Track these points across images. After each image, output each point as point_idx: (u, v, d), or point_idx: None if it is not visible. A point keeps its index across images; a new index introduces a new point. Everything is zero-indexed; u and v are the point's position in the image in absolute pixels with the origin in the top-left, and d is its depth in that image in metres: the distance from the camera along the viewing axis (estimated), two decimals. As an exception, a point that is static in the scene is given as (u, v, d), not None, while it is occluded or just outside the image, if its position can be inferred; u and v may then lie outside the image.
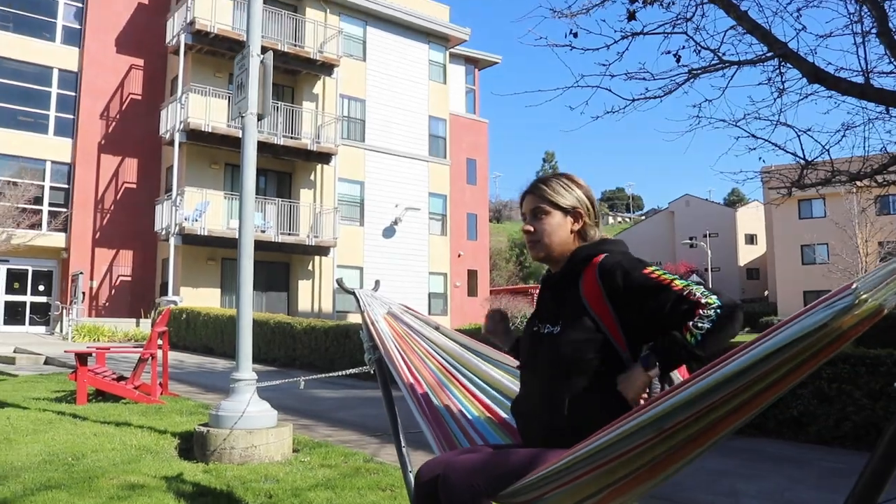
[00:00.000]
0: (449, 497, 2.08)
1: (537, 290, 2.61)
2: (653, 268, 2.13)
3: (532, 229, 2.39)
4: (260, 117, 5.94)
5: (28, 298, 25.64)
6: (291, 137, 25.19)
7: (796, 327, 1.53)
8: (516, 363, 2.92)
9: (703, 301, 1.99)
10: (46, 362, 14.84)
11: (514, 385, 2.81)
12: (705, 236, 53.55)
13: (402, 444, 3.24)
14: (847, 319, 1.48)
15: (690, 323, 1.98)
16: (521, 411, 2.38)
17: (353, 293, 3.36)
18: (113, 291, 25.74)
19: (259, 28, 6.11)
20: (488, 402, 2.88)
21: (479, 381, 2.96)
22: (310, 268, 26.59)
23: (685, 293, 2.03)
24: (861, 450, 5.96)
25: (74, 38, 26.36)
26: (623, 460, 1.85)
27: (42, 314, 25.74)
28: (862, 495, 1.49)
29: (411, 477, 3.21)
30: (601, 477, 1.92)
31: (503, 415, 2.80)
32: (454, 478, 2.09)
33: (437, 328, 3.17)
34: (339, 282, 3.63)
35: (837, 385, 6.33)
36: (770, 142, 9.30)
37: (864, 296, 1.45)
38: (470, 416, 2.86)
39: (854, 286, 1.47)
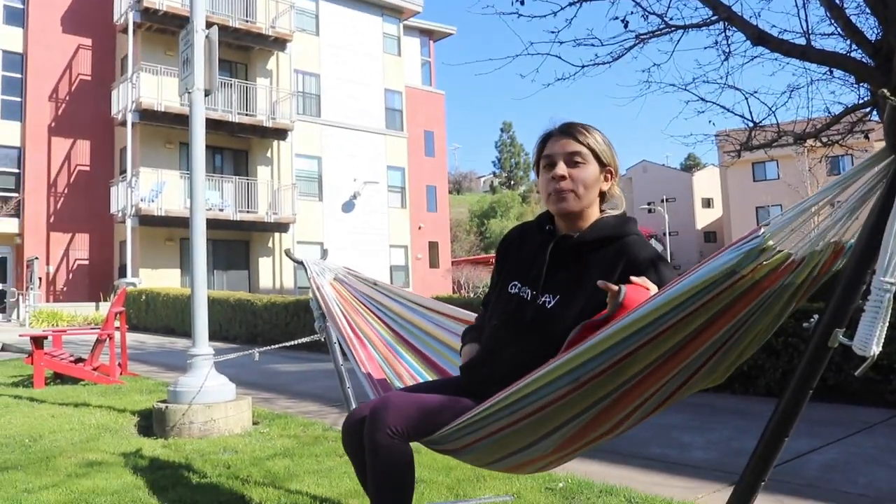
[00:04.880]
0: (372, 435, 2.03)
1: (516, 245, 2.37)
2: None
3: (566, 175, 2.11)
4: (207, 93, 5.90)
5: (-18, 286, 25.17)
6: (246, 114, 24.93)
7: (705, 269, 1.53)
8: (460, 318, 2.95)
9: None
10: (3, 348, 14.62)
11: (454, 337, 2.79)
12: (663, 201, 54.17)
13: (354, 407, 3.32)
14: (758, 268, 1.48)
15: None
16: (481, 372, 2.21)
17: (302, 263, 3.40)
18: (70, 276, 25.36)
19: (203, 3, 6.04)
20: (430, 355, 2.92)
21: (420, 335, 2.98)
22: (270, 245, 26.45)
23: None
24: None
25: (17, 17, 25.68)
26: (545, 413, 1.83)
27: (-2, 302, 25.31)
28: (771, 437, 1.59)
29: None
30: (525, 430, 1.90)
31: (443, 365, 2.84)
32: (379, 418, 2.03)
33: (374, 284, 3.22)
34: (288, 252, 3.68)
35: (784, 339, 6.52)
36: (718, 104, 9.48)
37: (771, 241, 1.47)
38: (413, 371, 2.91)
39: (762, 230, 1.49)
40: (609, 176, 2.16)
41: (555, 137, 2.16)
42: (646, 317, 1.60)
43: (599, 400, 1.78)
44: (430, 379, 2.81)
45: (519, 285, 2.21)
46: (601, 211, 2.20)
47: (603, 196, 2.18)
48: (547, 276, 2.15)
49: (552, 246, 2.17)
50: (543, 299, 2.12)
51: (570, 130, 2.14)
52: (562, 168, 2.11)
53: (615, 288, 1.77)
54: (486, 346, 2.24)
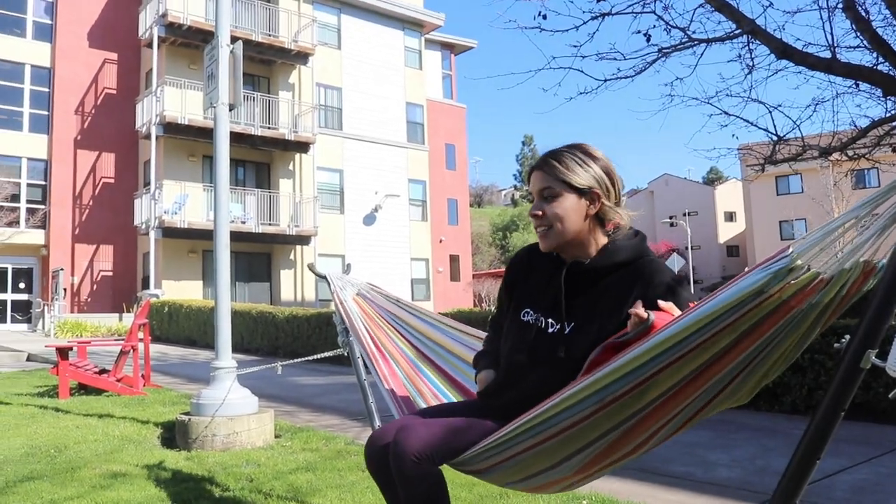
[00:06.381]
0: (399, 464, 2.03)
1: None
2: (696, 302, 1.88)
3: (541, 213, 2.10)
4: (231, 107, 5.95)
5: (8, 297, 25.48)
6: (269, 128, 25.13)
7: (732, 289, 1.52)
8: (482, 337, 2.93)
9: None
10: (29, 359, 14.78)
11: (471, 353, 2.75)
12: (685, 215, 53.88)
13: (377, 424, 3.31)
14: (786, 287, 1.47)
15: None
16: (501, 400, 2.19)
17: (325, 277, 3.41)
18: (94, 287, 25.62)
19: (228, 18, 6.11)
20: (456, 376, 2.89)
21: (441, 352, 2.96)
22: (291, 257, 26.58)
23: None
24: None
25: (45, 33, 26.09)
26: (570, 434, 1.83)
27: (23, 312, 25.60)
28: (802, 459, 1.56)
29: (387, 454, 3.29)
30: (550, 451, 1.90)
31: (462, 382, 2.82)
32: (404, 445, 2.02)
33: (397, 301, 3.22)
34: (311, 266, 3.68)
35: (810, 355, 6.44)
36: (742, 118, 9.43)
37: (799, 261, 1.45)
38: (432, 385, 2.89)
39: (790, 249, 1.47)
40: (595, 198, 2.08)
41: (533, 173, 2.14)
42: (672, 337, 1.60)
43: (623, 421, 1.78)
44: (453, 397, 2.81)
45: (532, 313, 2.19)
46: (607, 234, 2.15)
47: (602, 218, 2.12)
48: (554, 302, 2.13)
49: (565, 274, 2.14)
50: (560, 327, 2.11)
51: (542, 164, 2.12)
52: (536, 206, 2.11)
53: (644, 315, 1.76)
54: (504, 376, 2.22)
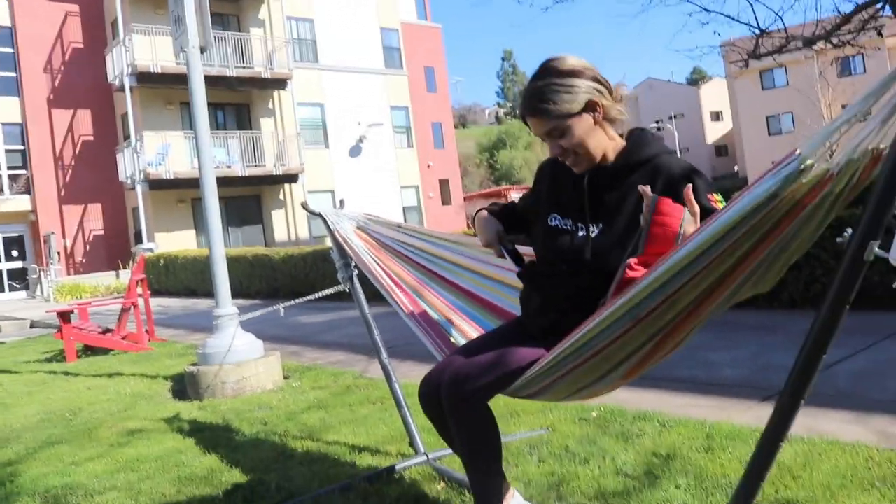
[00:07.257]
0: (452, 405, 2.12)
1: (549, 179, 2.33)
2: (717, 197, 1.98)
3: (561, 149, 2.12)
4: (202, 50, 5.82)
5: (3, 265, 25.40)
6: (243, 67, 24.64)
7: (747, 199, 1.52)
8: (483, 248, 2.89)
9: None
10: (32, 326, 14.82)
11: (491, 268, 2.82)
12: (671, 118, 53.49)
13: (384, 356, 3.34)
14: (798, 187, 1.47)
15: None
16: (534, 308, 2.26)
17: (320, 215, 3.38)
18: (88, 247, 25.55)
19: (188, -42, 5.90)
20: (470, 288, 2.90)
21: (458, 271, 2.96)
22: (281, 197, 26.44)
23: None
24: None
25: (1, -10, 25.29)
26: (610, 350, 1.89)
27: (20, 279, 25.57)
28: (808, 356, 1.57)
29: (396, 386, 3.34)
30: (594, 368, 1.97)
31: (487, 298, 2.84)
32: (457, 387, 2.11)
33: (398, 227, 3.20)
34: (304, 205, 3.64)
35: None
36: (723, 14, 9.28)
37: (809, 162, 1.43)
38: (457, 307, 2.90)
39: (798, 151, 1.44)
40: (595, 106, 2.07)
41: (528, 119, 2.14)
42: (692, 252, 1.63)
43: (659, 330, 1.84)
44: (482, 317, 2.83)
45: (559, 217, 2.22)
46: (622, 135, 2.19)
47: (608, 117, 2.12)
48: (579, 206, 2.18)
49: (588, 177, 2.17)
50: (587, 229, 2.15)
51: (532, 110, 2.10)
52: (553, 147, 2.12)
53: (650, 194, 1.81)
54: (535, 282, 2.28)
